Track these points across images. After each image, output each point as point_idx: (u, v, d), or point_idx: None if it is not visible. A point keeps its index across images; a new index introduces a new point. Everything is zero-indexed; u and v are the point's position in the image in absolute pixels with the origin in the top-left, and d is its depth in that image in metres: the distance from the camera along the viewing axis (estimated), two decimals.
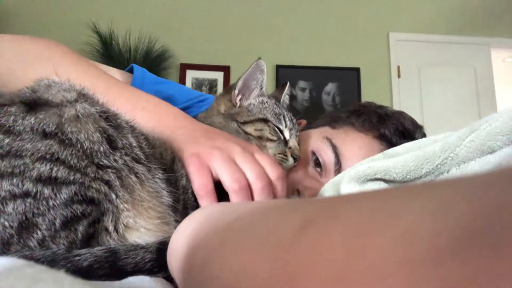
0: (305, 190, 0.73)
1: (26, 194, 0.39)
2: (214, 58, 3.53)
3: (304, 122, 0.96)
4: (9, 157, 0.40)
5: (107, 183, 0.44)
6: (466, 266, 0.10)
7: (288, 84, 0.88)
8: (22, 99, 0.45)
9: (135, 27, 3.35)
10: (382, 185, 0.53)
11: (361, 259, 0.13)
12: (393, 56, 3.72)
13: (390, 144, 0.74)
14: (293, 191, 0.73)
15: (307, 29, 3.69)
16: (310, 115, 1.06)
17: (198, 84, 3.49)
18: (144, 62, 3.14)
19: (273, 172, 0.56)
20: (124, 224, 0.45)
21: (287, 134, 0.74)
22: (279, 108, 0.76)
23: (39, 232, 0.39)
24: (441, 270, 0.10)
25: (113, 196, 0.44)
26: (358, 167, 0.55)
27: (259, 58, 0.74)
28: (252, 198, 0.54)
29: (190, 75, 3.51)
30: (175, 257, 0.35)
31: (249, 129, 0.71)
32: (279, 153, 0.71)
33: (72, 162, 0.42)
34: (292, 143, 0.74)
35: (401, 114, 0.82)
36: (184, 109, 0.87)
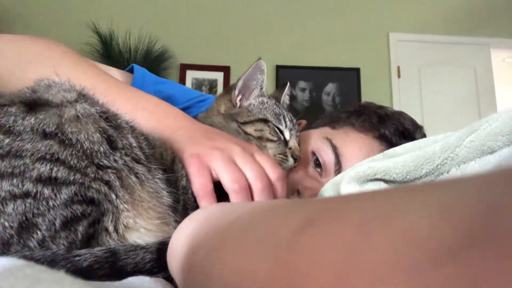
0: (305, 190, 0.73)
1: (26, 195, 0.39)
2: (214, 58, 3.53)
3: (304, 122, 0.96)
4: (9, 157, 0.40)
5: (107, 183, 0.44)
6: (466, 267, 0.10)
7: (288, 84, 0.88)
8: (22, 99, 0.45)
9: (135, 27, 3.35)
10: (382, 186, 0.53)
11: (361, 260, 0.13)
12: (393, 56, 3.72)
13: (390, 144, 0.74)
14: (293, 191, 0.73)
15: (307, 29, 3.69)
16: (310, 115, 1.06)
17: (198, 84, 3.49)
18: (144, 62, 3.14)
19: (273, 173, 0.56)
20: (124, 225, 0.45)
21: (287, 134, 0.74)
22: (279, 109, 0.76)
23: (39, 233, 0.39)
24: (441, 271, 0.10)
25: (113, 196, 0.44)
26: (358, 167, 0.55)
27: (259, 58, 0.74)
28: (252, 199, 0.54)
29: (190, 75, 3.51)
30: (175, 257, 0.35)
31: (249, 129, 0.71)
32: (279, 154, 0.71)
33: (72, 163, 0.42)
34: (292, 143, 0.74)
35: (401, 114, 0.82)
36: (184, 109, 0.87)
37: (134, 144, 0.49)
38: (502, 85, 4.36)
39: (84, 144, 0.43)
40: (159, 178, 0.50)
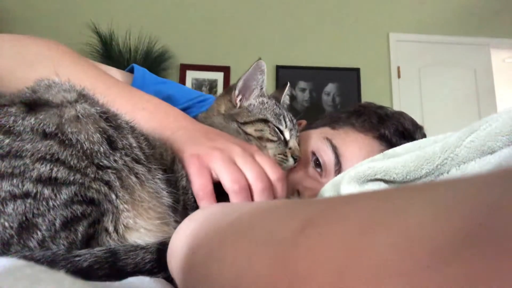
0: (305, 190, 0.73)
1: (26, 195, 0.39)
2: (214, 59, 3.53)
3: (304, 122, 0.96)
4: (9, 157, 0.40)
5: (107, 183, 0.44)
6: (466, 267, 0.10)
7: (288, 84, 0.88)
8: (22, 99, 0.45)
9: (135, 27, 3.35)
10: (382, 186, 0.53)
11: (361, 260, 0.13)
12: (393, 56, 3.72)
13: (390, 144, 0.74)
14: (293, 191, 0.73)
15: (307, 30, 3.69)
16: (310, 115, 1.06)
17: (198, 85, 3.49)
18: (144, 63, 3.14)
19: (273, 174, 0.56)
20: (124, 225, 0.45)
21: (287, 134, 0.74)
22: (279, 109, 0.76)
23: (39, 233, 0.39)
24: (442, 271, 0.10)
25: (113, 196, 0.44)
26: (358, 167, 0.55)
27: (260, 59, 0.74)
28: (252, 199, 0.54)
29: (190, 75, 3.51)
30: (175, 258, 0.35)
31: (249, 129, 0.71)
32: (279, 154, 0.71)
33: (72, 163, 0.42)
34: (292, 143, 0.74)
35: (401, 114, 0.82)
36: (185, 109, 0.87)
37: (134, 144, 0.49)
38: (502, 85, 4.36)
39: (84, 144, 0.43)
40: (159, 178, 0.50)
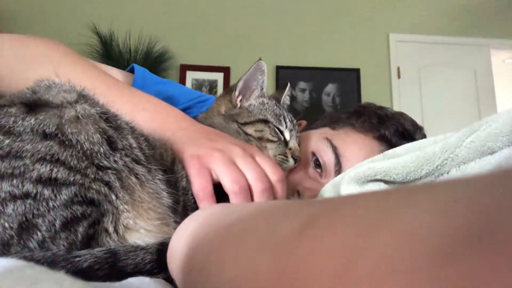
0: (305, 191, 0.73)
1: (26, 195, 0.39)
2: (214, 59, 3.53)
3: (304, 123, 0.96)
4: (9, 158, 0.40)
5: (107, 184, 0.44)
6: (466, 267, 0.10)
7: (288, 85, 0.88)
8: (22, 100, 0.45)
9: (135, 28, 3.35)
10: (382, 186, 0.53)
11: (361, 260, 0.13)
12: (393, 57, 3.73)
13: (390, 145, 0.74)
14: (293, 192, 0.73)
15: (307, 30, 3.69)
16: (310, 116, 1.06)
17: (198, 85, 3.49)
18: (144, 63, 3.14)
19: (273, 175, 0.56)
20: (124, 225, 0.45)
21: (287, 135, 0.74)
22: (280, 109, 0.76)
23: (39, 233, 0.39)
24: (442, 271, 0.10)
25: (113, 197, 0.44)
26: (358, 168, 0.55)
27: (260, 59, 0.74)
28: (252, 200, 0.54)
29: (190, 76, 3.51)
30: (175, 258, 0.35)
31: (250, 130, 0.71)
32: (279, 154, 0.71)
33: (72, 163, 0.42)
34: (293, 144, 0.74)
35: (401, 115, 0.82)
36: (185, 109, 0.87)
37: (134, 145, 0.49)
38: (502, 86, 4.36)
39: (84, 145, 0.43)
40: (159, 179, 0.50)
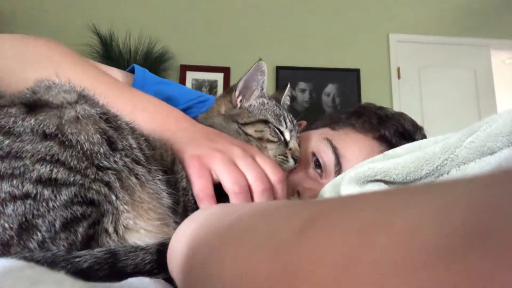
0: (305, 191, 0.73)
1: (26, 196, 0.39)
2: (214, 59, 3.53)
3: (304, 123, 0.96)
4: (9, 158, 0.40)
5: (107, 184, 0.44)
6: (466, 267, 0.10)
7: (289, 85, 0.88)
8: (22, 100, 0.45)
9: (135, 28, 3.35)
10: (382, 186, 0.53)
11: (361, 261, 0.13)
12: (393, 57, 3.73)
13: (390, 145, 0.74)
14: (293, 192, 0.73)
15: (307, 30, 3.69)
16: (310, 116, 1.06)
17: (198, 86, 3.49)
18: (144, 64, 3.14)
19: (274, 175, 0.56)
20: (124, 226, 0.45)
21: (287, 135, 0.74)
22: (280, 109, 0.76)
23: (39, 234, 0.39)
24: (442, 271, 0.10)
25: (113, 197, 0.44)
26: (358, 168, 0.55)
27: (260, 59, 0.74)
28: (252, 201, 0.54)
29: (190, 76, 3.51)
30: (175, 258, 0.35)
31: (250, 130, 0.71)
32: (279, 154, 0.71)
33: (72, 164, 0.42)
34: (293, 144, 0.74)
35: (401, 115, 0.82)
36: (185, 109, 0.87)
37: (134, 145, 0.49)
38: (502, 86, 4.36)
39: (84, 145, 0.43)
40: (159, 179, 0.50)
